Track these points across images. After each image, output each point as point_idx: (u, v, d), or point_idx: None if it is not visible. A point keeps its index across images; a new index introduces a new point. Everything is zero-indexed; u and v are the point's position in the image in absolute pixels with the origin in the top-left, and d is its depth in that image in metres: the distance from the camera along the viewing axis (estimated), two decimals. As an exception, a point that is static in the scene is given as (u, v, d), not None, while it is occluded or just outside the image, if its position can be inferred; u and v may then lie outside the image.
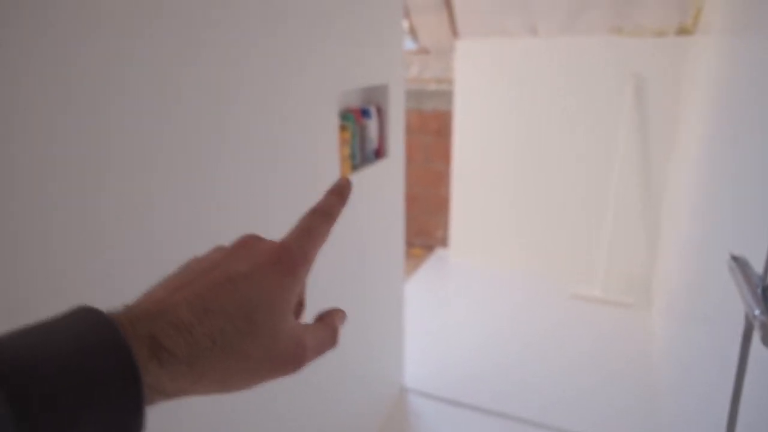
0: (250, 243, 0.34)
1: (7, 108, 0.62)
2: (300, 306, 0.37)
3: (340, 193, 0.39)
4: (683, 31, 2.68)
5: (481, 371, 2.33)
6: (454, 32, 3.22)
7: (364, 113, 1.59)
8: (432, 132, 3.60)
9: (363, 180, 1.56)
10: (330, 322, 0.38)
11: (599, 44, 2.83)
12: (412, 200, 3.80)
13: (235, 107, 1.01)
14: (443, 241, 3.76)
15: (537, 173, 3.15)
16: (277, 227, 1.18)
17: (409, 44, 3.53)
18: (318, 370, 1.44)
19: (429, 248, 3.83)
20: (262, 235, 0.36)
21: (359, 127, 1.57)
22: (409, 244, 3.89)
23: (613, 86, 2.83)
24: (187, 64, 0.88)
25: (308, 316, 0.39)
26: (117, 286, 0.79)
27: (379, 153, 1.71)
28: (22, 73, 0.63)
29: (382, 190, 1.72)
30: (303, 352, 0.32)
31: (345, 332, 1.42)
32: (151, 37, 0.81)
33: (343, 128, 1.43)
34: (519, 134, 3.14)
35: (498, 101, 3.16)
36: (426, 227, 3.83)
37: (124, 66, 0.77)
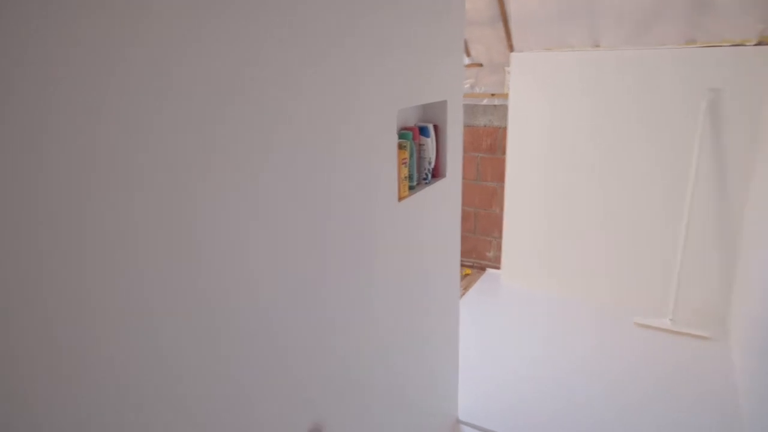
0: None
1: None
2: None
3: None
4: (765, 41, 2.46)
5: (538, 404, 2.17)
6: (510, 45, 3.10)
7: (422, 131, 1.50)
8: (484, 148, 3.48)
9: (420, 202, 1.47)
10: None
11: (670, 56, 2.64)
12: (463, 218, 3.66)
13: (291, 129, 0.94)
14: (495, 261, 3.61)
15: (598, 193, 2.97)
16: (334, 251, 1.10)
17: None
18: (373, 401, 1.34)
19: (480, 268, 3.68)
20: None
21: (417, 146, 1.48)
22: (460, 263, 3.75)
23: (685, 101, 2.63)
24: (242, 84, 0.82)
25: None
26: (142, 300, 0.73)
27: (436, 173, 1.61)
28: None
29: (439, 213, 1.62)
30: None
31: (401, 359, 1.30)
32: (206, 55, 0.75)
33: (400, 147, 1.35)
34: (578, 152, 2.97)
35: (555, 117, 3.00)
36: (477, 246, 3.69)
37: (180, 89, 0.71)
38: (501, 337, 2.76)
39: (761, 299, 2.03)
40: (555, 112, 3.00)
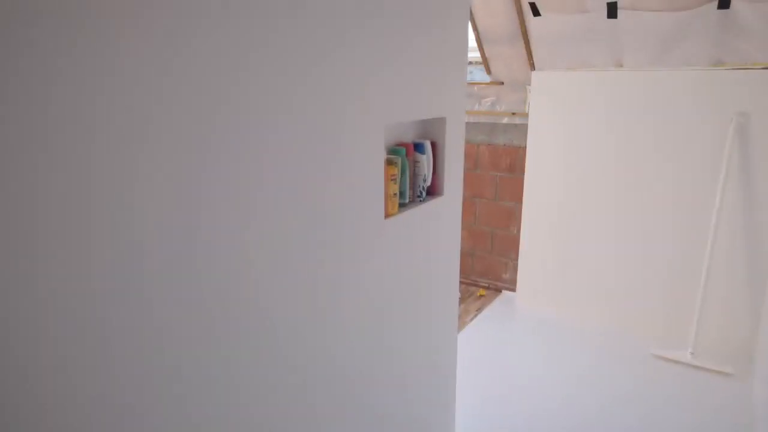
0: None
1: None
2: None
3: None
4: (798, 63, 2.34)
5: (543, 437, 2.08)
6: (531, 64, 3.05)
7: (417, 148, 1.47)
8: (503, 168, 3.42)
9: (411, 220, 1.43)
10: None
11: (696, 78, 2.53)
12: (479, 238, 3.60)
13: (267, 134, 0.92)
14: (511, 283, 3.52)
15: (618, 216, 2.86)
16: (312, 269, 1.08)
17: (482, 76, 3.40)
18: (356, 430, 1.30)
19: (496, 290, 3.59)
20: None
21: (411, 162, 1.45)
22: (474, 284, 3.68)
23: (711, 124, 2.52)
24: (218, 92, 0.81)
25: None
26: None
27: (432, 191, 1.57)
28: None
29: (434, 232, 1.57)
30: None
31: (385, 388, 1.26)
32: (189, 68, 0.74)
33: (389, 163, 1.32)
34: (598, 174, 2.88)
35: (575, 138, 2.92)
36: (493, 267, 3.61)
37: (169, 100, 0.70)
38: (510, 363, 2.67)
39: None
40: (575, 133, 2.92)
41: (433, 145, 1.54)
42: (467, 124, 3.43)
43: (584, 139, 2.90)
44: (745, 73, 2.42)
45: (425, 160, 1.48)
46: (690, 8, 2.39)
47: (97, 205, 0.69)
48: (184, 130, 0.78)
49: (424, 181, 1.50)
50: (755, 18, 2.28)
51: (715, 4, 2.31)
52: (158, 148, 0.75)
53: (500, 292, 3.56)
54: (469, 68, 3.43)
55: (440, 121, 1.54)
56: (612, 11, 2.52)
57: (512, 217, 3.45)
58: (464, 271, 3.70)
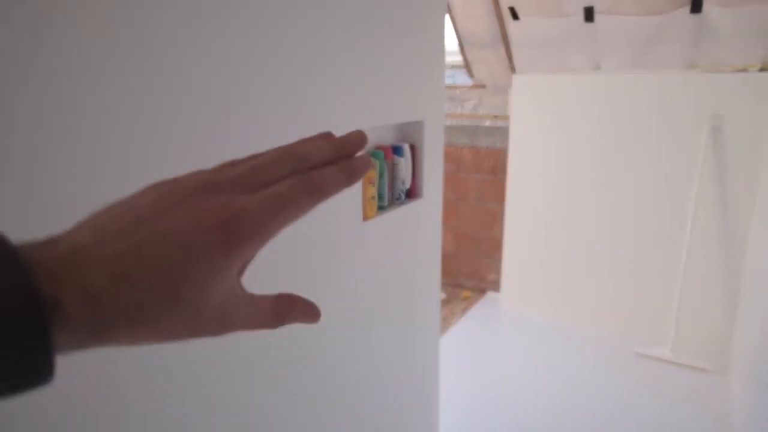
0: (201, 191, 0.27)
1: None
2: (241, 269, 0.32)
3: (351, 170, 0.31)
4: (769, 66, 2.40)
5: (526, 436, 2.10)
6: (511, 67, 3.09)
7: (396, 151, 1.49)
8: (486, 170, 3.45)
9: (390, 223, 1.45)
10: (283, 310, 0.33)
11: (672, 81, 2.59)
12: (463, 240, 3.63)
13: (247, 137, 0.93)
14: (495, 285, 3.54)
15: (599, 217, 2.90)
16: (289, 272, 1.09)
17: (464, 79, 3.43)
18: None
19: (480, 291, 3.62)
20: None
21: (389, 165, 1.47)
22: (459, 286, 3.70)
23: (687, 126, 2.57)
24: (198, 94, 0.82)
25: None
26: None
27: (412, 193, 1.59)
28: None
29: (414, 235, 1.59)
30: (227, 328, 0.29)
31: (367, 393, 1.26)
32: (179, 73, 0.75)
33: (368, 167, 1.33)
34: (579, 176, 2.92)
35: (557, 140, 2.96)
36: (477, 269, 3.63)
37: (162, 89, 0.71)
38: (496, 364, 2.69)
39: (765, 330, 1.95)
40: (557, 135, 2.96)
41: (412, 147, 1.56)
42: (450, 127, 3.47)
43: (565, 141, 2.94)
44: (720, 76, 2.48)
45: (404, 163, 1.50)
46: (664, 12, 2.45)
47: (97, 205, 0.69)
48: (183, 131, 0.79)
49: (403, 183, 1.51)
50: (727, 22, 2.34)
51: (688, 8, 2.36)
52: (159, 149, 0.76)
53: (485, 293, 3.59)
54: (451, 71, 3.46)
55: (418, 125, 1.55)
56: (589, 15, 2.57)
57: (496, 218, 3.48)
58: (450, 274, 3.72)
